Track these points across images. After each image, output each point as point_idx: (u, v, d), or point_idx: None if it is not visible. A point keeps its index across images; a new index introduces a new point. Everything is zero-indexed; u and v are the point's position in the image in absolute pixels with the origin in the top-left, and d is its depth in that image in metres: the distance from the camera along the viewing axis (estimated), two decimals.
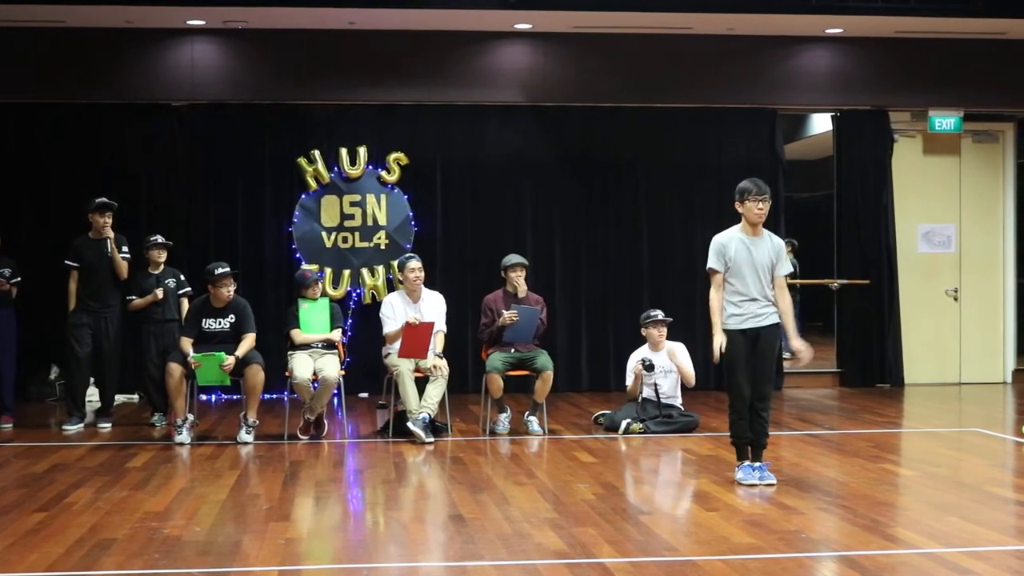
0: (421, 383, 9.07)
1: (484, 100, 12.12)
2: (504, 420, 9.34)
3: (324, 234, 11.89)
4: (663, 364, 9.40)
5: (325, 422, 9.26)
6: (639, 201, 12.40)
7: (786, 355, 13.32)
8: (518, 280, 9.46)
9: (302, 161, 11.84)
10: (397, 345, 9.10)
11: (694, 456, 8.27)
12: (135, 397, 11.21)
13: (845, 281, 12.63)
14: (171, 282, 9.90)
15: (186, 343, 8.91)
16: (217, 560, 5.44)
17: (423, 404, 8.91)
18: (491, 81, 12.12)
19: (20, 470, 7.82)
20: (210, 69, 11.83)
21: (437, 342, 9.30)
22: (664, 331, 9.47)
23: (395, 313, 9.30)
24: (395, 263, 10.50)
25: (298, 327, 9.24)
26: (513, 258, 9.56)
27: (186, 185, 11.84)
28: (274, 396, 10.93)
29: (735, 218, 7.29)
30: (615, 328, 12.21)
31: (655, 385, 9.33)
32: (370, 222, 11.93)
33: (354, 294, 11.89)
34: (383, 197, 11.95)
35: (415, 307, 9.35)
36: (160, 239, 9.96)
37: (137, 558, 5.46)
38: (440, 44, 11.95)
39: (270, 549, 5.63)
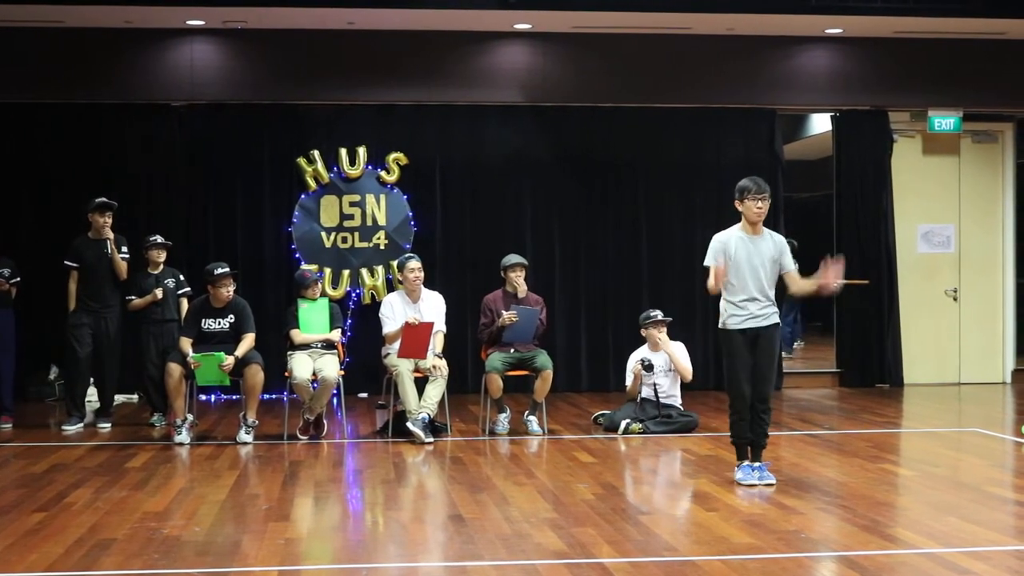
0: (420, 383, 9.07)
1: (483, 100, 12.12)
2: (503, 420, 9.34)
3: (323, 234, 11.89)
4: (662, 364, 9.40)
5: (324, 422, 9.26)
6: (638, 201, 12.40)
7: (786, 357, 13.43)
8: (518, 280, 9.46)
9: (301, 161, 11.84)
10: (396, 345, 9.10)
11: (693, 456, 8.27)
12: (134, 397, 11.21)
13: (845, 281, 12.59)
14: (170, 282, 9.90)
15: (185, 343, 8.91)
16: (216, 560, 5.44)
17: (422, 404, 8.91)
18: (490, 81, 12.13)
19: (19, 470, 7.82)
20: (209, 69, 11.83)
21: (436, 342, 9.30)
22: (664, 331, 9.46)
23: (394, 313, 9.31)
24: (394, 263, 10.51)
25: (297, 327, 9.24)
26: (513, 258, 9.56)
27: (186, 185, 11.84)
28: (273, 396, 10.93)
29: (734, 218, 7.29)
30: (614, 328, 12.21)
31: (654, 385, 9.33)
32: (369, 222, 11.93)
33: (353, 294, 11.89)
34: (382, 197, 11.95)
35: (414, 307, 9.35)
36: (159, 239, 9.96)
37: (136, 558, 5.46)
38: (439, 44, 11.95)
39: (269, 549, 5.63)
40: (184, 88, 11.78)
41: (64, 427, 9.54)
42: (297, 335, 9.21)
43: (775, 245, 7.16)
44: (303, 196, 11.90)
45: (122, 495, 6.91)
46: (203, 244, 11.75)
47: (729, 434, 7.28)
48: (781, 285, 7.36)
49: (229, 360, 8.75)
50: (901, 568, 5.31)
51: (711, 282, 7.16)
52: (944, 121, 12.57)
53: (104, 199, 9.73)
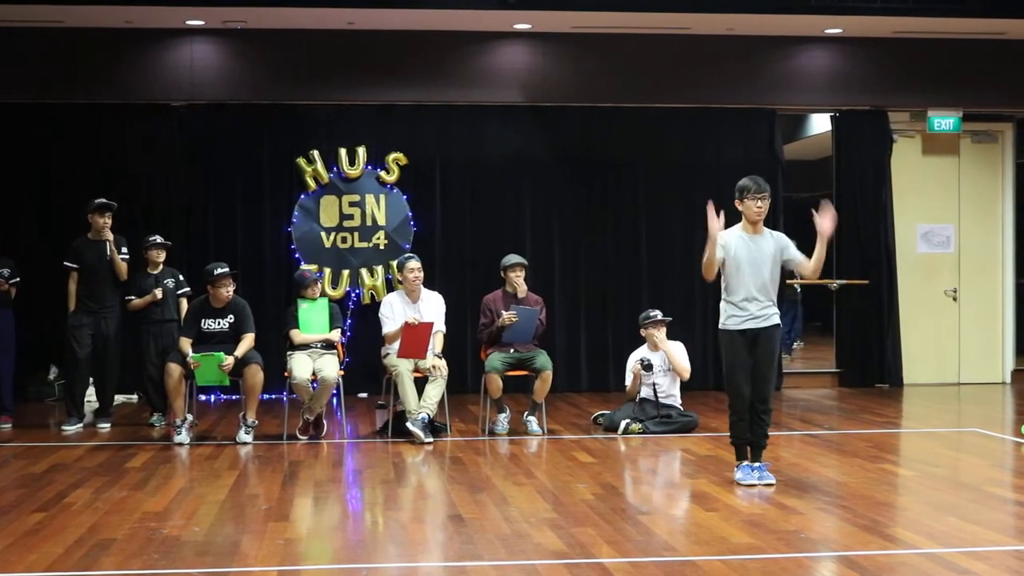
0: (420, 383, 9.07)
1: (483, 100, 12.12)
2: (503, 420, 9.34)
3: (323, 234, 11.89)
4: (661, 364, 9.40)
5: (324, 422, 9.25)
6: (638, 201, 12.40)
7: (786, 357, 13.43)
8: (517, 280, 9.46)
9: (301, 161, 11.84)
10: (396, 345, 9.10)
11: (693, 456, 8.27)
12: (134, 397, 11.20)
13: (844, 281, 12.63)
14: (170, 282, 9.90)
15: (185, 343, 8.91)
16: (216, 560, 5.44)
17: (422, 404, 8.91)
18: (490, 81, 12.13)
19: (19, 470, 7.82)
20: (209, 69, 11.83)
21: (436, 342, 9.30)
22: (663, 331, 9.46)
23: (394, 313, 9.31)
24: (394, 263, 10.52)
25: (297, 327, 9.24)
26: (512, 258, 9.56)
27: (185, 185, 11.83)
28: (273, 396, 10.93)
29: (734, 218, 7.28)
30: (614, 328, 12.21)
31: (653, 385, 9.33)
32: (369, 222, 11.93)
33: (353, 294, 11.89)
34: (382, 197, 11.95)
35: (414, 307, 9.35)
36: (159, 239, 9.96)
37: (136, 558, 5.46)
38: (439, 44, 11.95)
39: (269, 549, 5.63)
40: (184, 88, 11.78)
41: (64, 427, 9.54)
42: (297, 335, 9.21)
43: (776, 242, 7.14)
44: (303, 196, 11.90)
45: (122, 495, 6.91)
46: (203, 244, 11.75)
47: (728, 434, 7.28)
48: (781, 286, 7.35)
49: (229, 360, 8.75)
50: (901, 568, 5.31)
51: (704, 269, 7.12)
52: (944, 121, 12.57)
53: (104, 200, 9.72)
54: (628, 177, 12.39)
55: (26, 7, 10.87)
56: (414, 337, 9.01)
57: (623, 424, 9.15)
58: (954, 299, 12.98)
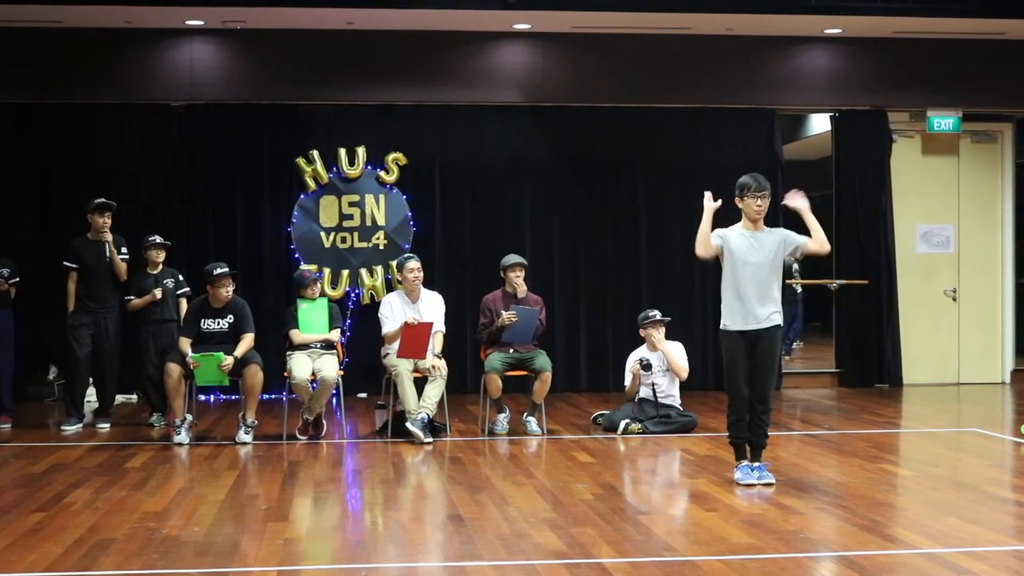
0: (420, 383, 9.07)
1: (483, 100, 12.12)
2: (503, 420, 9.34)
3: (323, 234, 11.89)
4: (660, 364, 9.39)
5: (324, 422, 9.25)
6: (638, 201, 12.40)
7: (785, 357, 13.43)
8: (517, 280, 9.46)
9: (301, 161, 11.84)
10: (396, 345, 9.10)
11: (692, 456, 8.27)
12: (134, 397, 11.20)
13: (844, 281, 12.63)
14: (169, 282, 9.90)
15: (185, 343, 8.90)
16: (216, 560, 5.44)
17: (422, 404, 8.91)
18: (490, 81, 12.13)
19: (19, 470, 7.82)
20: (209, 69, 11.83)
21: (436, 342, 9.30)
22: (662, 331, 9.46)
23: (394, 313, 9.31)
24: (394, 263, 10.52)
25: (297, 327, 9.24)
26: (512, 258, 9.56)
27: (185, 185, 11.83)
28: (273, 396, 10.93)
29: (733, 218, 7.28)
30: (614, 328, 12.21)
31: (652, 385, 9.33)
32: (369, 222, 11.93)
33: (353, 294, 11.89)
34: (382, 197, 11.95)
35: (414, 307, 9.35)
36: (158, 239, 9.95)
37: (136, 558, 5.46)
38: (439, 44, 11.95)
39: (269, 549, 5.63)
40: (184, 88, 11.78)
41: (63, 427, 9.53)
42: (296, 335, 9.21)
43: (776, 237, 7.13)
44: (302, 196, 11.90)
45: (121, 495, 6.91)
46: (202, 244, 11.75)
47: (728, 434, 7.27)
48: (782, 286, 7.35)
49: (228, 360, 8.75)
50: (900, 568, 5.31)
51: (697, 243, 7.11)
52: (943, 121, 12.57)
53: (103, 199, 9.72)
54: (628, 177, 12.39)
55: (26, 7, 10.87)
56: (414, 337, 9.01)
57: (622, 424, 9.16)
58: (954, 299, 12.98)
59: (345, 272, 11.87)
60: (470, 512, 6.43)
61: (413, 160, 11.96)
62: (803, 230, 7.26)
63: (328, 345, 9.27)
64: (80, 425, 9.61)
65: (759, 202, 7.08)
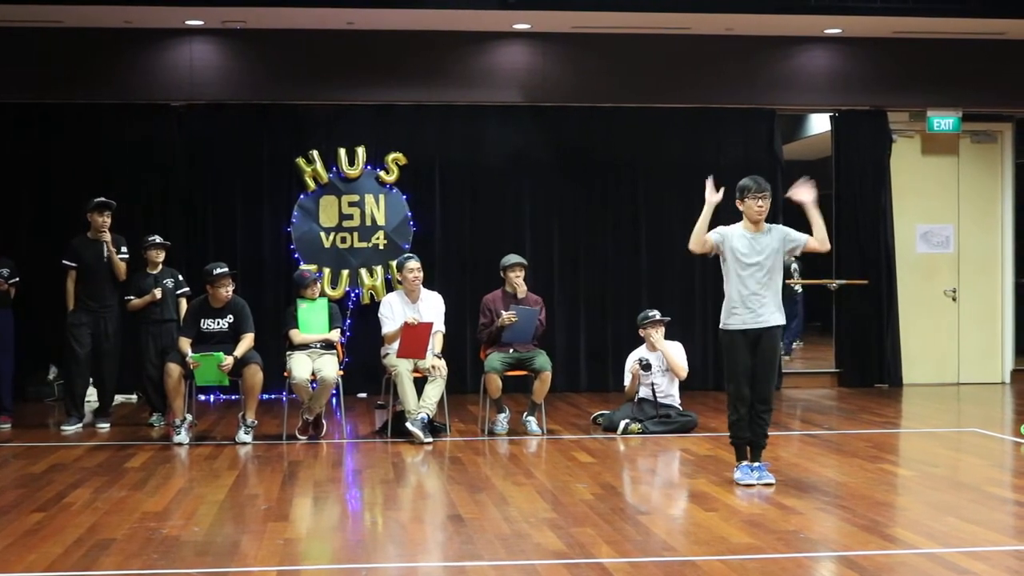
0: (420, 383, 9.07)
1: (483, 100, 12.12)
2: (503, 420, 9.34)
3: (323, 234, 11.89)
4: (660, 364, 9.39)
5: (324, 422, 9.25)
6: (638, 201, 12.40)
7: (784, 357, 13.42)
8: (517, 280, 9.45)
9: (300, 161, 11.84)
10: (396, 345, 9.10)
11: (692, 456, 8.27)
12: (133, 397, 11.21)
13: (844, 281, 12.63)
14: (169, 282, 9.90)
15: (184, 343, 8.90)
16: (216, 560, 5.44)
17: (422, 404, 8.91)
18: (490, 81, 12.13)
19: (19, 470, 7.82)
20: (209, 69, 11.83)
21: (436, 342, 9.30)
22: (661, 331, 9.46)
23: (394, 313, 9.31)
24: (394, 263, 10.52)
25: (296, 327, 9.23)
26: (512, 258, 9.56)
27: (185, 185, 11.83)
28: (273, 396, 10.93)
29: (734, 217, 7.29)
30: (614, 328, 12.21)
31: (652, 385, 9.33)
32: (368, 222, 11.93)
33: (353, 294, 11.89)
34: (382, 197, 11.95)
35: (414, 307, 9.35)
36: (158, 239, 9.95)
37: (136, 558, 5.46)
38: (439, 44, 11.95)
39: (269, 549, 5.63)
40: (184, 88, 11.78)
41: (63, 427, 9.53)
42: (296, 335, 9.21)
43: (777, 236, 7.12)
44: (302, 196, 11.90)
45: (121, 495, 6.91)
46: (202, 244, 11.75)
47: (728, 434, 7.28)
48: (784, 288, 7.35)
49: (228, 360, 8.75)
50: (900, 568, 5.31)
51: (693, 237, 7.11)
52: (943, 121, 12.57)
53: (103, 198, 9.72)
54: (628, 177, 12.39)
55: (26, 7, 10.87)
56: (413, 337, 9.01)
57: (622, 424, 9.16)
58: (953, 299, 12.98)
59: (345, 272, 11.87)
60: (470, 512, 6.43)
61: (413, 160, 11.96)
62: (804, 227, 7.26)
63: (328, 345, 9.27)
64: (80, 425, 9.60)
65: (760, 204, 7.08)
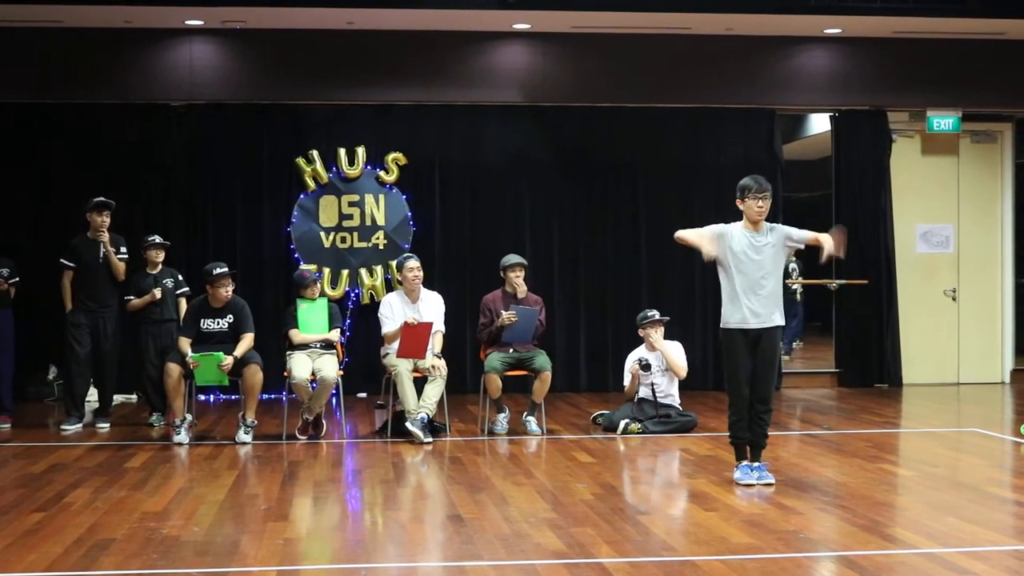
0: (420, 383, 9.07)
1: (483, 100, 12.12)
2: (503, 420, 9.34)
3: (322, 234, 11.89)
4: (659, 364, 9.40)
5: (323, 422, 9.25)
6: (638, 201, 12.40)
7: (784, 357, 13.42)
8: (517, 280, 9.45)
9: (300, 161, 11.84)
10: (396, 345, 9.10)
11: (692, 456, 8.27)
12: (133, 397, 11.21)
13: (844, 281, 12.63)
14: (169, 282, 9.89)
15: (184, 343, 8.90)
16: (215, 560, 5.44)
17: (421, 404, 8.91)
18: (490, 81, 12.13)
19: (18, 470, 7.82)
20: (209, 69, 11.83)
21: (436, 342, 9.30)
22: (660, 331, 9.46)
23: (394, 313, 9.31)
24: (393, 263, 10.52)
25: (296, 327, 9.24)
26: (512, 258, 9.56)
27: (185, 185, 11.83)
28: (272, 396, 10.93)
29: (734, 217, 7.28)
30: (613, 328, 12.21)
31: (652, 385, 9.33)
32: (368, 222, 11.93)
33: (352, 294, 11.89)
34: (381, 197, 11.95)
35: (414, 307, 9.35)
36: (158, 239, 9.95)
37: (135, 558, 5.46)
38: (439, 44, 11.95)
39: (268, 549, 5.63)
40: (183, 88, 11.78)
41: (63, 427, 9.53)
42: (296, 335, 9.21)
43: (777, 235, 7.11)
44: (302, 196, 11.90)
45: (121, 495, 6.91)
46: (202, 244, 11.75)
47: (728, 434, 7.28)
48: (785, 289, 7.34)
49: (228, 360, 8.75)
50: (900, 568, 5.31)
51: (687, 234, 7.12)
52: (943, 121, 12.57)
53: (102, 198, 9.72)
54: (628, 177, 12.39)
55: (26, 7, 10.87)
56: (413, 337, 9.01)
57: (622, 424, 9.16)
58: (953, 299, 12.98)
59: (345, 272, 11.87)
60: (470, 512, 6.43)
61: (413, 160, 11.96)
62: (804, 227, 7.26)
63: (328, 345, 9.27)
64: (80, 425, 9.60)
65: (760, 203, 7.07)
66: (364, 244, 11.91)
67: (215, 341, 8.95)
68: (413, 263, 9.43)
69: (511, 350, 9.32)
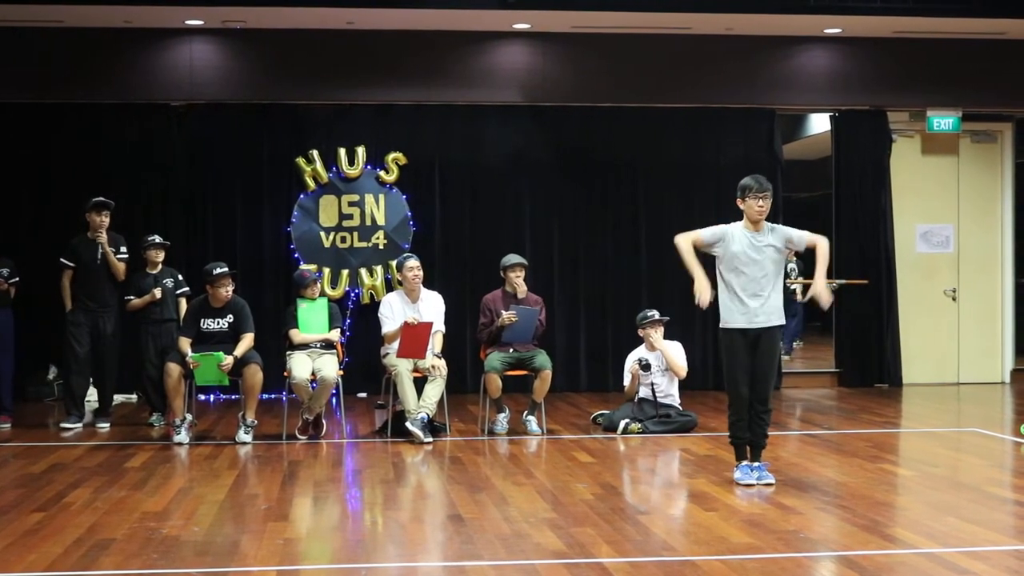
0: (420, 383, 9.07)
1: (483, 100, 12.12)
2: (503, 420, 9.34)
3: (322, 234, 11.89)
4: (659, 364, 9.40)
5: (323, 422, 9.25)
6: (638, 201, 12.40)
7: (784, 357, 13.42)
8: (517, 280, 9.46)
9: (300, 161, 11.84)
10: (396, 345, 9.10)
11: (692, 456, 8.27)
12: (133, 397, 11.20)
13: (844, 281, 12.63)
14: (169, 282, 9.89)
15: (184, 343, 8.90)
16: (215, 560, 5.44)
17: (421, 404, 8.91)
18: (490, 81, 12.13)
19: (18, 470, 7.82)
20: (209, 69, 11.83)
21: (436, 342, 9.30)
22: (660, 331, 9.46)
23: (394, 313, 9.31)
24: (393, 263, 10.53)
25: (296, 327, 9.24)
26: (512, 258, 9.56)
27: (185, 185, 11.83)
28: (272, 396, 10.93)
29: (734, 217, 7.28)
30: (613, 328, 12.21)
31: (652, 385, 9.33)
32: (368, 222, 11.93)
33: (352, 294, 11.89)
34: (381, 197, 11.95)
35: (414, 307, 9.35)
36: (158, 239, 9.95)
37: (135, 558, 5.46)
38: (439, 44, 11.95)
39: (268, 549, 5.63)
40: (183, 88, 11.78)
41: (64, 425, 9.54)
42: (296, 335, 9.21)
43: (777, 236, 7.11)
44: (302, 196, 11.90)
45: (121, 495, 6.91)
46: (202, 244, 11.75)
47: (728, 434, 7.28)
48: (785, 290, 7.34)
49: (228, 360, 8.75)
50: (900, 568, 5.31)
51: (682, 238, 7.13)
52: (943, 121, 12.57)
53: (101, 198, 9.71)
54: (628, 177, 12.39)
55: (26, 7, 10.87)
56: (413, 337, 9.01)
57: (622, 424, 9.16)
58: (953, 299, 12.98)
59: (345, 272, 11.87)
60: (470, 512, 6.43)
61: (413, 160, 11.96)
62: (804, 227, 7.26)
63: (328, 345, 9.27)
64: (80, 425, 9.60)
65: (761, 203, 7.07)
66: (364, 244, 11.92)
67: (215, 341, 8.95)
68: (413, 263, 9.43)
69: (511, 350, 9.32)
